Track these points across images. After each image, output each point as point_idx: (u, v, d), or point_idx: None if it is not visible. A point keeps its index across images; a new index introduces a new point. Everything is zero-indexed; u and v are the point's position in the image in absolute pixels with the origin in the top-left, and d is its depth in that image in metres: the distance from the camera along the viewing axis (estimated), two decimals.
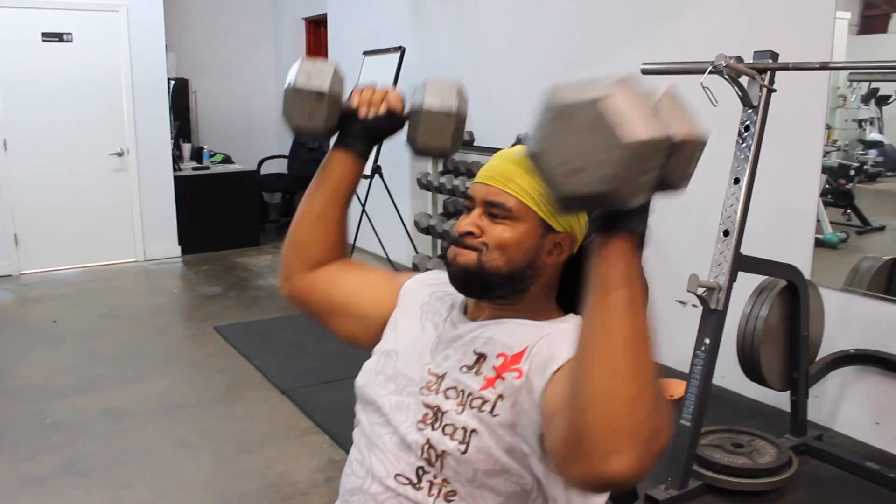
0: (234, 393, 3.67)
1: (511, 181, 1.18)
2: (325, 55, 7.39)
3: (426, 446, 1.13)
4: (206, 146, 7.09)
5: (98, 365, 4.02)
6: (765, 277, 2.94)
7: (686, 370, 2.67)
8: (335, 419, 3.34)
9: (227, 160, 7.20)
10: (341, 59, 6.86)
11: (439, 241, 5.32)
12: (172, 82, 6.66)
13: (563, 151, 0.79)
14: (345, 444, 3.11)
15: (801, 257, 3.19)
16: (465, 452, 1.10)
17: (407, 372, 1.23)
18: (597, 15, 4.25)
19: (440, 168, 5.27)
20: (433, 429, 1.13)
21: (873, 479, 2.79)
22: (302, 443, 3.17)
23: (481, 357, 1.16)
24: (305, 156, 7.68)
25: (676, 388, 3.46)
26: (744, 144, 2.67)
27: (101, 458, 3.02)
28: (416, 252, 5.40)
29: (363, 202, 5.40)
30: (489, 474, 1.10)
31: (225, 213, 6.73)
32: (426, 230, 5.18)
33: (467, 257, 1.19)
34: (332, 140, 1.38)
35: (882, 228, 4.06)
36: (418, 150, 1.33)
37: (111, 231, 6.23)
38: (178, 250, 6.47)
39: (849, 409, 3.20)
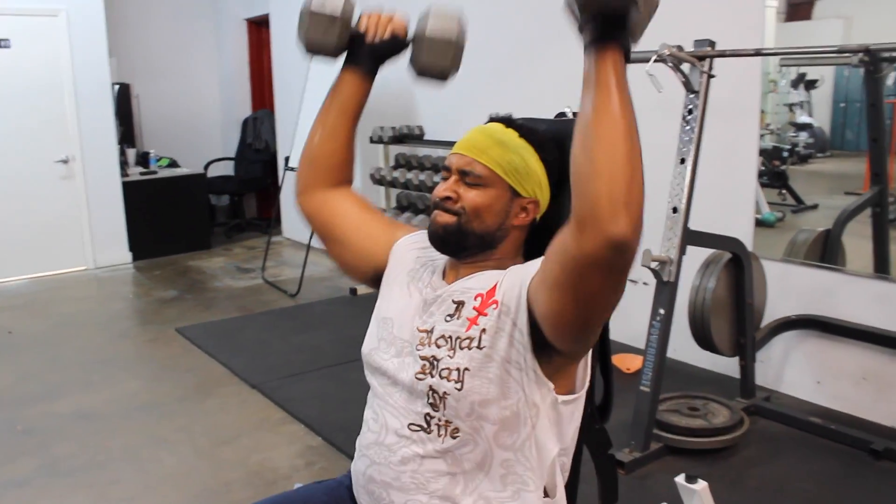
0: (204, 390, 3.73)
1: (483, 152, 1.36)
2: (269, 56, 7.42)
3: (430, 392, 1.29)
4: (151, 151, 7.04)
5: (62, 371, 4.03)
6: (711, 251, 3.14)
7: (640, 345, 2.85)
8: (308, 408, 3.44)
9: (173, 164, 7.18)
10: (286, 59, 6.92)
11: (393, 192, 5.41)
12: (117, 87, 6.61)
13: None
14: (320, 431, 3.22)
15: (743, 232, 3.39)
16: (460, 389, 1.26)
17: (401, 335, 1.39)
18: (544, 8, 4.41)
19: (392, 163, 5.38)
20: (432, 376, 1.30)
21: (817, 432, 3.01)
22: (278, 432, 3.25)
23: (460, 304, 1.33)
24: (252, 157, 7.70)
25: (633, 361, 3.65)
26: (688, 127, 2.86)
27: (80, 458, 3.06)
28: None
29: None
30: (483, 405, 1.26)
31: (174, 217, 6.71)
32: (379, 181, 5.27)
33: (446, 218, 1.36)
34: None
35: (815, 207, 4.33)
36: (419, 71, 1.50)
37: (59, 240, 6.15)
38: (128, 256, 6.43)
39: (792, 371, 3.43)
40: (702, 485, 2.07)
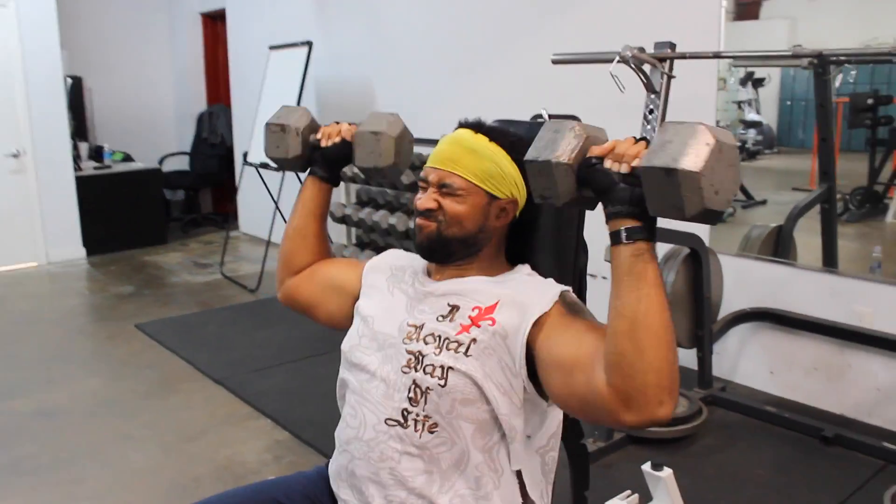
0: (167, 386, 3.71)
1: (457, 163, 1.42)
2: (225, 51, 7.36)
3: (412, 386, 1.34)
4: (105, 145, 6.93)
5: (19, 370, 3.96)
6: (670, 246, 3.24)
7: None
8: (274, 403, 3.45)
9: (127, 159, 7.07)
10: (243, 54, 6.88)
11: (354, 230, 5.45)
12: (70, 80, 6.49)
13: (716, 177, 1.03)
14: (286, 425, 3.24)
15: (699, 228, 3.49)
16: (444, 386, 1.31)
17: (385, 330, 1.43)
18: (502, 8, 4.47)
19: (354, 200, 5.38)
20: (416, 371, 1.34)
21: (771, 420, 3.13)
22: (245, 427, 3.26)
23: (455, 308, 1.38)
24: (208, 151, 7.62)
25: None
26: (649, 126, 2.94)
27: (43, 457, 3.03)
28: (332, 242, 5.49)
29: (276, 200, 5.45)
30: (463, 403, 1.31)
31: (129, 212, 6.62)
32: (342, 219, 5.29)
33: (430, 228, 1.43)
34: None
35: (764, 202, 4.47)
36: (361, 169, 1.62)
37: (10, 235, 6.01)
38: (82, 252, 6.32)
39: (747, 362, 3.55)
40: (667, 472, 2.15)
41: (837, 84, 4.03)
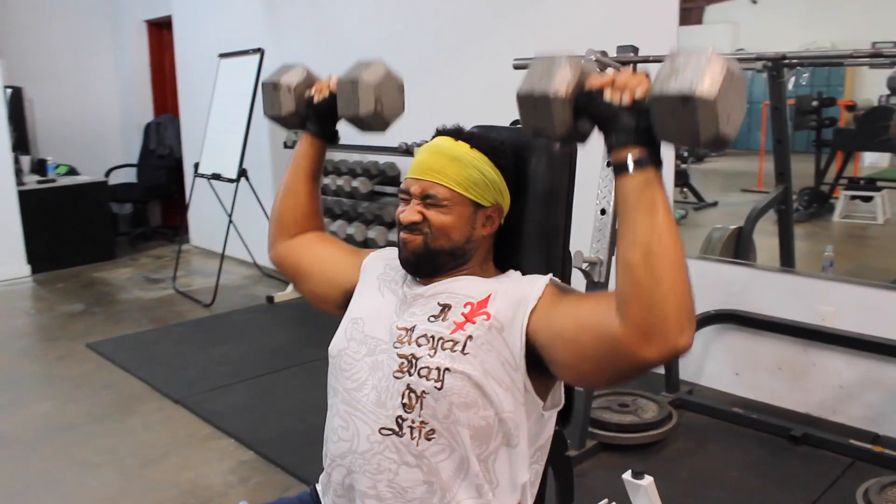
0: (124, 407, 3.57)
1: (440, 173, 1.38)
2: (172, 59, 7.19)
3: (406, 391, 1.28)
4: (49, 158, 6.70)
5: None
6: None
7: None
8: (236, 422, 3.35)
9: (72, 172, 6.85)
10: (191, 63, 6.72)
11: None
12: (9, 91, 6.27)
13: (729, 103, 1.02)
14: (251, 445, 3.14)
15: None
16: (440, 389, 1.26)
17: (375, 334, 1.38)
18: (456, 13, 4.44)
19: None
20: (410, 374, 1.29)
21: (739, 422, 3.15)
22: (207, 448, 3.15)
23: (446, 307, 1.34)
24: (156, 163, 7.44)
25: None
26: None
27: None
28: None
29: (230, 212, 5.33)
30: (461, 407, 1.26)
31: (76, 226, 6.40)
32: None
33: (415, 242, 1.38)
34: None
35: (715, 204, 4.53)
36: (346, 119, 1.57)
37: None
38: (27, 269, 6.09)
39: (712, 364, 3.57)
40: (648, 480, 2.13)
41: (790, 87, 4.11)
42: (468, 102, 4.37)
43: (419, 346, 1.30)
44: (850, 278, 3.27)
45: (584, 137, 1.20)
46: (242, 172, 5.21)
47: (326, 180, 4.88)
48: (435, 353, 1.28)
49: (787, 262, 3.75)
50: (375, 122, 1.54)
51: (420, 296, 1.38)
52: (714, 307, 3.48)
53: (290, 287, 5.28)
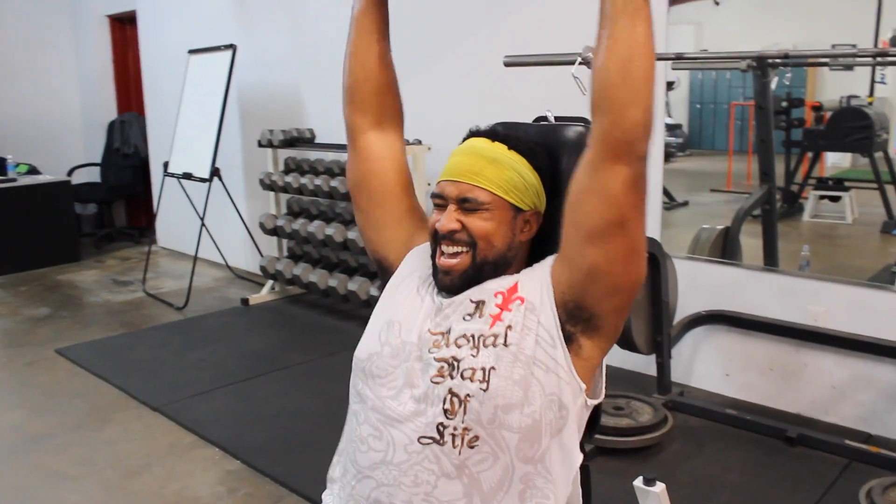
0: (100, 416, 3.43)
1: (479, 175, 1.30)
2: (136, 55, 7.00)
3: (448, 396, 1.21)
4: (8, 157, 6.47)
5: None
6: None
7: None
8: (220, 430, 3.23)
9: (33, 171, 6.64)
10: (157, 59, 6.55)
11: (285, 242, 5.24)
12: None
13: None
14: (237, 453, 3.04)
15: (651, 231, 3.48)
16: (486, 390, 1.19)
17: (409, 339, 1.30)
18: (437, 7, 4.37)
19: (282, 167, 5.19)
20: (452, 378, 1.22)
21: (734, 423, 3.13)
22: (191, 458, 3.04)
23: (480, 303, 1.28)
24: (120, 162, 7.24)
25: None
26: None
27: None
28: (262, 255, 5.27)
29: (202, 214, 5.19)
30: (506, 409, 1.20)
31: (38, 228, 6.20)
32: (273, 231, 5.08)
33: (463, 262, 1.29)
34: None
35: (686, 204, 4.54)
36: None
37: None
38: None
39: (702, 365, 3.55)
40: (660, 487, 2.09)
41: (774, 86, 4.12)
42: (453, 101, 4.31)
43: (459, 346, 1.24)
44: (840, 278, 3.27)
45: None
46: (215, 171, 5.07)
47: (303, 179, 4.76)
48: (478, 352, 1.22)
49: (770, 261, 3.76)
50: None
51: (454, 301, 1.31)
52: (703, 308, 3.46)
53: (266, 289, 5.16)
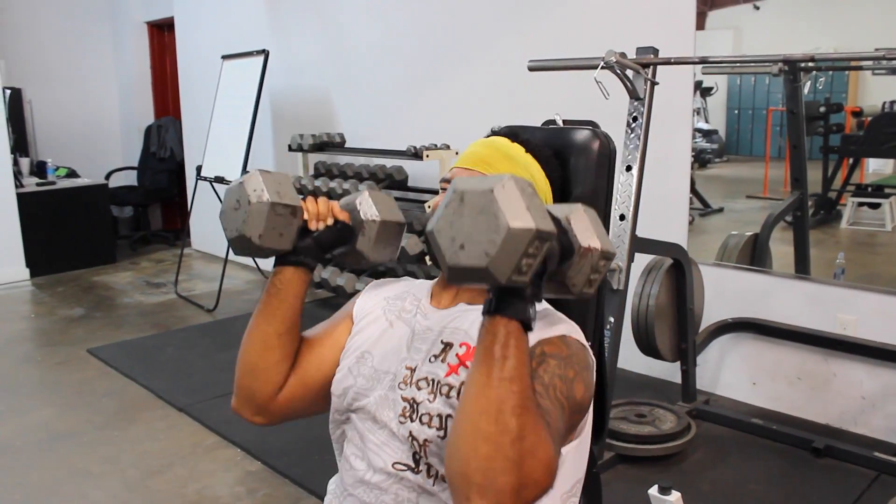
0: (126, 415, 3.48)
1: (491, 166, 1.28)
2: (173, 61, 7.12)
3: (409, 438, 1.17)
4: (49, 160, 6.62)
5: None
6: (652, 257, 3.16)
7: None
8: (243, 431, 3.25)
9: (72, 174, 6.77)
10: (193, 64, 6.65)
11: None
12: (8, 91, 6.18)
13: (457, 230, 0.90)
14: (258, 455, 3.06)
15: (677, 237, 3.43)
16: (443, 437, 1.14)
17: (385, 368, 1.25)
18: (464, 13, 4.37)
19: (312, 171, 5.23)
20: (412, 420, 1.17)
21: (759, 433, 3.07)
22: (213, 458, 3.07)
23: (447, 346, 1.22)
24: (156, 166, 7.36)
25: None
26: (633, 134, 2.86)
27: None
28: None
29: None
30: None
31: (75, 230, 6.32)
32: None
33: None
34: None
35: (721, 210, 4.47)
36: (367, 262, 1.34)
37: None
38: (26, 273, 6.00)
39: (728, 373, 3.49)
40: (675, 496, 2.06)
41: (807, 91, 4.04)
42: (480, 106, 4.31)
43: (419, 389, 1.19)
44: (871, 286, 3.20)
45: None
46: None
47: (332, 184, 4.79)
48: (434, 398, 1.17)
49: (802, 268, 3.69)
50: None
51: (429, 329, 1.26)
52: (731, 315, 3.41)
53: None
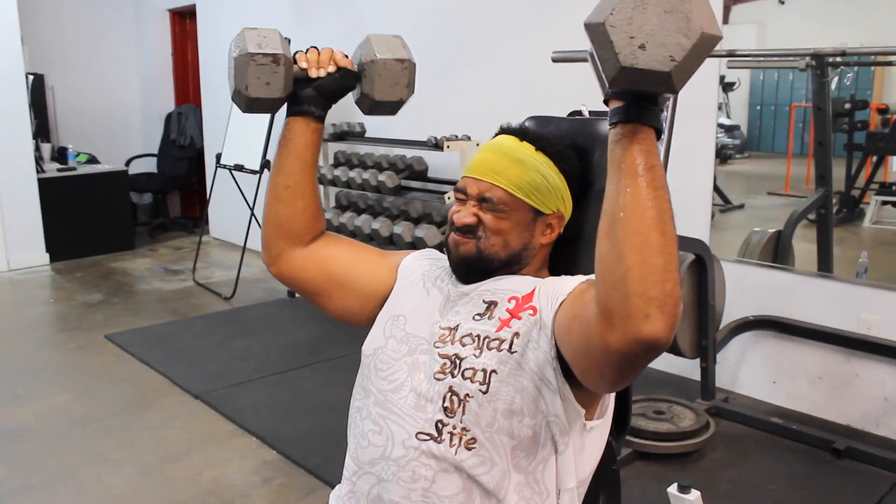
0: (143, 402, 3.50)
1: (500, 175, 1.29)
2: (195, 48, 7.13)
3: (448, 394, 1.19)
4: (69, 146, 6.65)
5: None
6: None
7: None
8: (259, 419, 3.26)
9: (92, 160, 6.80)
10: (214, 52, 6.65)
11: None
12: (31, 77, 6.21)
13: (637, 27, 0.83)
14: (274, 444, 3.05)
15: (699, 233, 3.39)
16: (486, 392, 1.16)
17: (417, 332, 1.29)
18: (487, 2, 4.33)
19: (331, 161, 5.22)
20: (453, 376, 1.19)
21: (779, 432, 3.03)
22: (229, 446, 3.07)
23: (492, 304, 1.25)
24: (176, 153, 7.37)
25: None
26: None
27: (11, 482, 2.80)
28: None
29: (252, 206, 5.25)
30: (506, 414, 1.16)
31: (95, 216, 6.35)
32: None
33: (467, 247, 1.29)
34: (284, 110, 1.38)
35: (742, 206, 4.41)
36: (374, 104, 1.37)
37: None
38: (45, 258, 6.04)
39: (748, 371, 3.45)
40: (695, 494, 2.03)
41: (833, 86, 3.98)
42: (501, 96, 4.28)
43: (463, 345, 1.21)
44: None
45: None
46: (266, 164, 5.12)
47: (351, 173, 4.78)
48: (481, 352, 1.19)
49: (825, 267, 3.63)
50: (401, 106, 1.41)
51: (465, 294, 1.29)
52: (752, 313, 3.37)
53: None
